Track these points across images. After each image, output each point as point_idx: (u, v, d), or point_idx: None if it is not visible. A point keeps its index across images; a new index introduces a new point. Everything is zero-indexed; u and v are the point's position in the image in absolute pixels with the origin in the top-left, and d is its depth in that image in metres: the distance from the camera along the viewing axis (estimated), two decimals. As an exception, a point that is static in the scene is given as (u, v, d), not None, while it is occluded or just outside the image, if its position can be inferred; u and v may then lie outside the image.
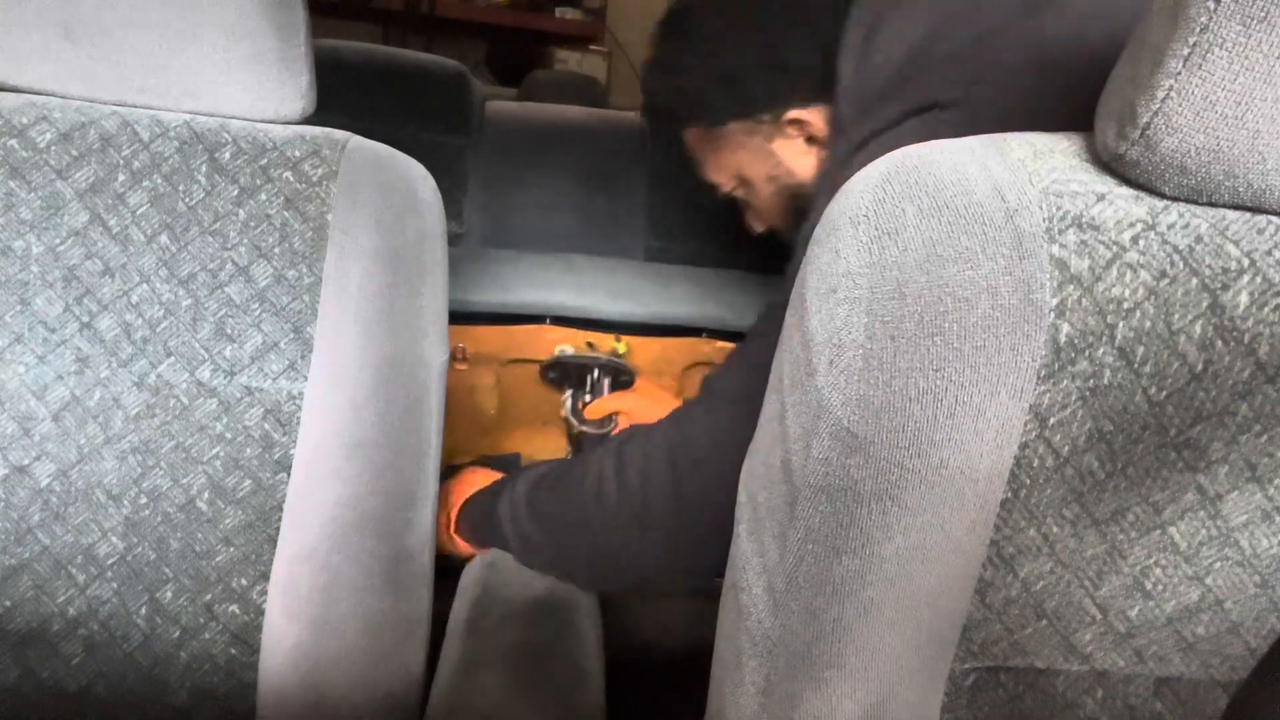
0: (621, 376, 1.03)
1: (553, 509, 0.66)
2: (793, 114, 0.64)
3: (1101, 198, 0.36)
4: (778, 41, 0.61)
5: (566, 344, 1.05)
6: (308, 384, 0.55)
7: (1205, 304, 0.35)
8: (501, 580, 0.68)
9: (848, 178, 0.52)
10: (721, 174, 0.74)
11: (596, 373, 1.04)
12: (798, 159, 0.68)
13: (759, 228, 0.79)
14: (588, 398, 1.02)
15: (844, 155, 0.55)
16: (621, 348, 1.05)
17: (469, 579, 0.68)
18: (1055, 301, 0.35)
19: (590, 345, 1.06)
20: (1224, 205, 0.36)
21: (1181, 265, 0.35)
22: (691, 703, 0.52)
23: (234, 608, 0.55)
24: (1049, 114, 0.45)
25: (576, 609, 0.66)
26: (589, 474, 0.63)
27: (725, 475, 0.51)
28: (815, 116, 0.65)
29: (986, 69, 0.50)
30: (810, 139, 0.66)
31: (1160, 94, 0.33)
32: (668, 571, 0.61)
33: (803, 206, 0.62)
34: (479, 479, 0.81)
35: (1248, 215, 0.36)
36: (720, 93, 0.64)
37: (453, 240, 0.62)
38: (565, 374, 1.05)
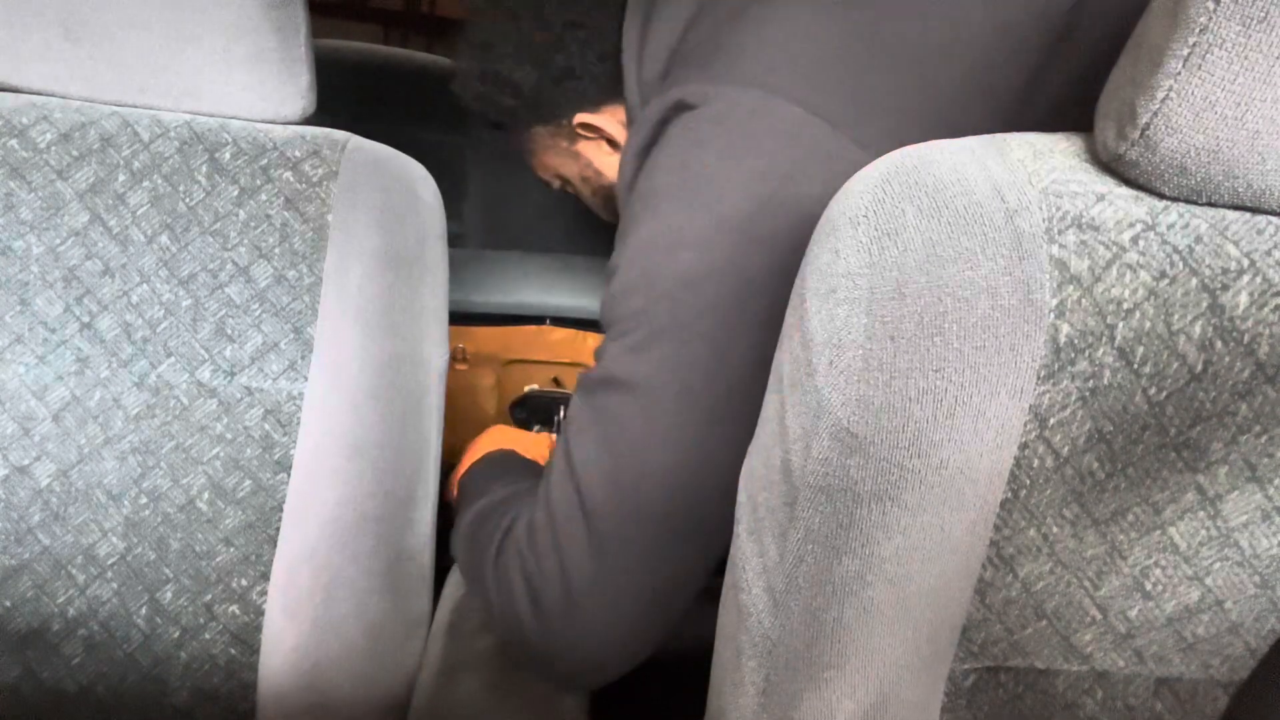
0: None
1: (470, 557, 0.59)
2: (582, 118, 0.63)
3: (1101, 198, 0.36)
4: (555, 47, 0.60)
5: (534, 383, 1.06)
6: (308, 384, 0.55)
7: (1205, 304, 0.35)
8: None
9: (635, 198, 0.51)
10: (544, 172, 0.73)
11: (562, 410, 1.04)
12: (603, 159, 0.67)
13: (604, 216, 0.77)
14: (555, 435, 1.03)
15: (628, 170, 0.53)
16: None
17: (453, 581, 0.68)
18: (1055, 302, 0.35)
19: (556, 381, 1.07)
20: (1224, 205, 0.36)
21: (1181, 266, 0.35)
22: (691, 703, 0.52)
23: (234, 608, 0.55)
24: (812, 104, 0.44)
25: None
26: (487, 556, 0.56)
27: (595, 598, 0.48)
28: (606, 120, 0.64)
29: (733, 60, 0.49)
30: (610, 141, 0.65)
31: (1160, 94, 0.33)
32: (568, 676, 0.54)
33: None
34: (500, 438, 0.77)
35: (1247, 215, 0.36)
36: (511, 100, 0.63)
37: (453, 240, 0.62)
38: (533, 411, 1.05)
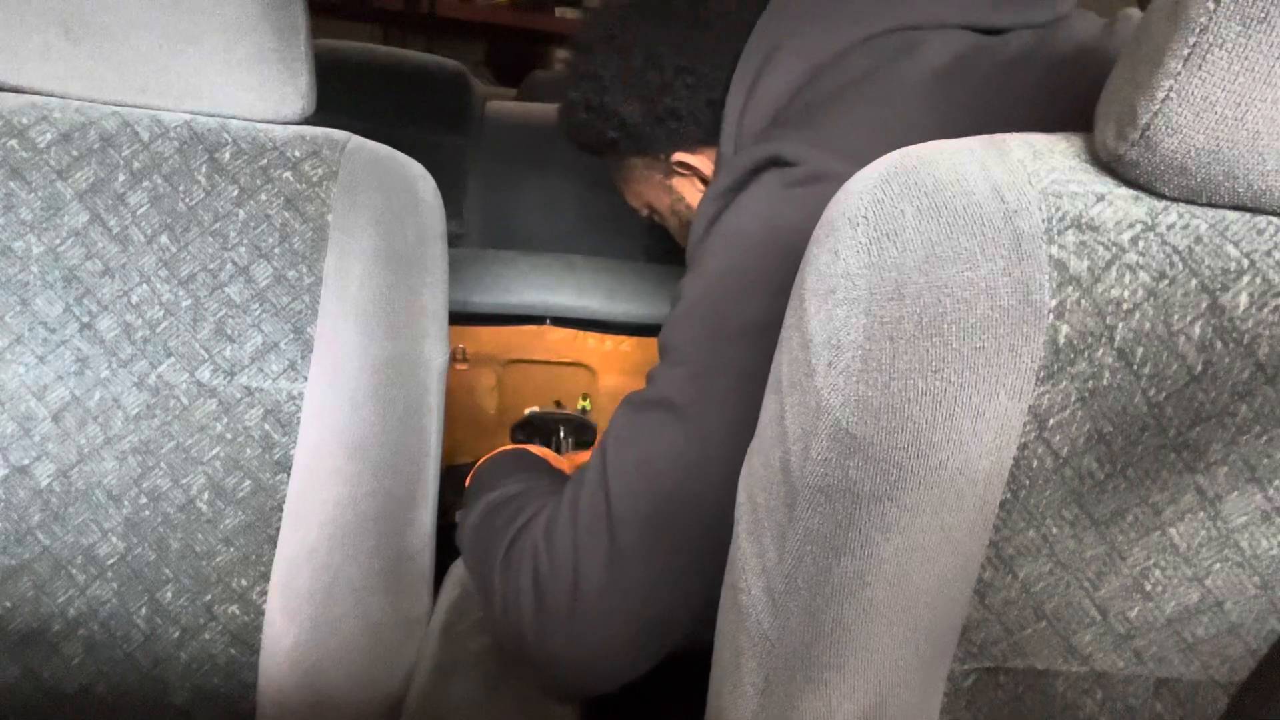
0: (585, 435, 1.05)
1: (475, 554, 0.60)
2: (680, 157, 0.65)
3: (1101, 198, 0.36)
4: (665, 88, 0.61)
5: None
6: (308, 384, 0.55)
7: (1205, 305, 0.35)
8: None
9: (707, 234, 0.53)
10: (634, 200, 0.75)
11: (562, 431, 1.05)
12: (695, 195, 0.69)
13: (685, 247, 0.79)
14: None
15: (711, 207, 0.55)
16: (588, 404, 1.08)
17: (451, 580, 0.68)
18: (1054, 302, 0.35)
19: (558, 404, 1.08)
20: (1224, 206, 0.36)
21: (1181, 266, 0.35)
22: (690, 703, 0.52)
23: (234, 608, 0.55)
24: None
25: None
26: (495, 551, 0.56)
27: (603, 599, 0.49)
28: (702, 161, 0.65)
29: (835, 130, 0.51)
30: (703, 180, 0.67)
31: (1160, 94, 0.33)
32: (565, 685, 0.54)
33: None
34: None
35: (1247, 216, 0.36)
36: (613, 131, 0.65)
37: (453, 240, 0.61)
38: (533, 432, 1.06)
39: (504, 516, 0.58)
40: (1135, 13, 0.55)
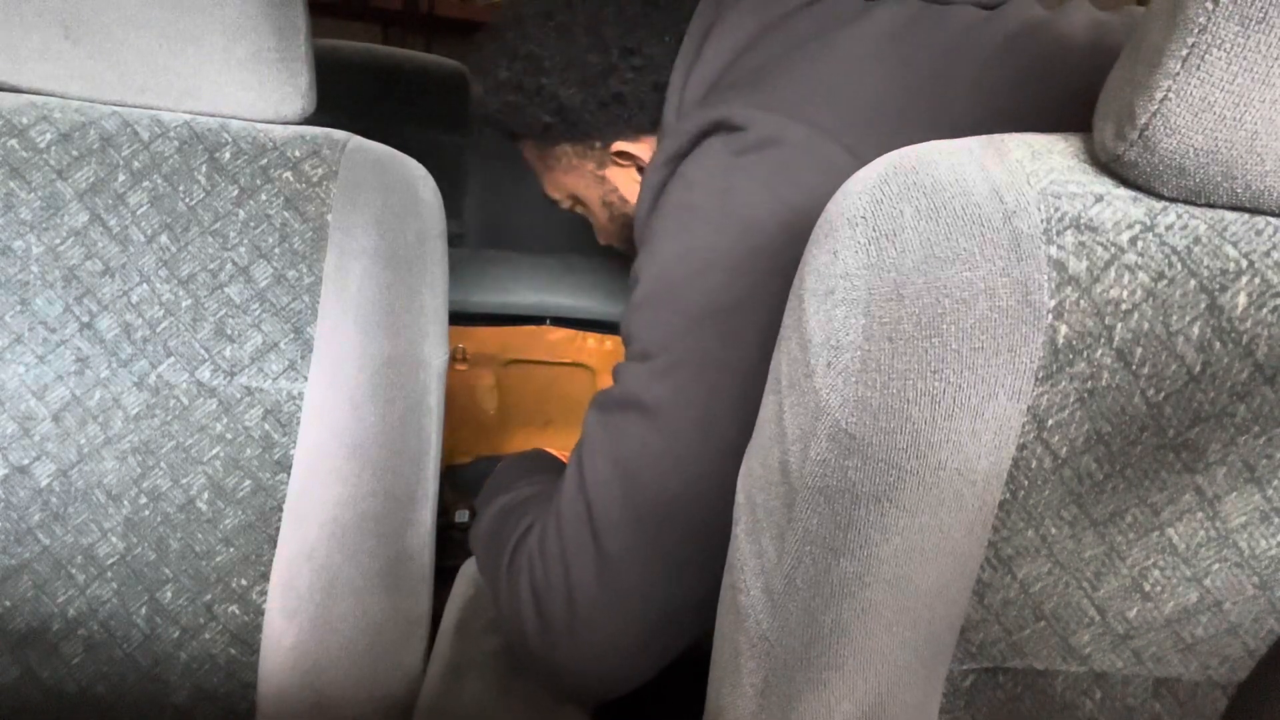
0: None
1: (487, 557, 0.59)
2: (619, 145, 0.61)
3: (1100, 199, 0.36)
4: (609, 71, 0.57)
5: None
6: (308, 384, 0.55)
7: (1203, 305, 0.35)
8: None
9: (655, 208, 0.51)
10: (556, 191, 0.70)
11: None
12: (630, 186, 0.65)
13: (603, 242, 0.75)
14: None
15: (655, 175, 0.53)
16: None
17: (464, 578, 0.68)
18: (1053, 303, 0.35)
19: None
20: (1222, 206, 0.36)
21: (1180, 266, 0.35)
22: (690, 703, 0.52)
23: (234, 608, 0.55)
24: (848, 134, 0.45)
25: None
26: (503, 558, 0.56)
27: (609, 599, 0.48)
28: (643, 149, 0.62)
29: (784, 91, 0.49)
30: (641, 169, 0.63)
31: (1158, 95, 0.33)
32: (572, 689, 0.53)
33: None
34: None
35: (1246, 216, 0.36)
36: (549, 116, 0.60)
37: (453, 240, 0.61)
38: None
39: (510, 523, 0.57)
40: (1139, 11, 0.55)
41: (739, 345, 0.47)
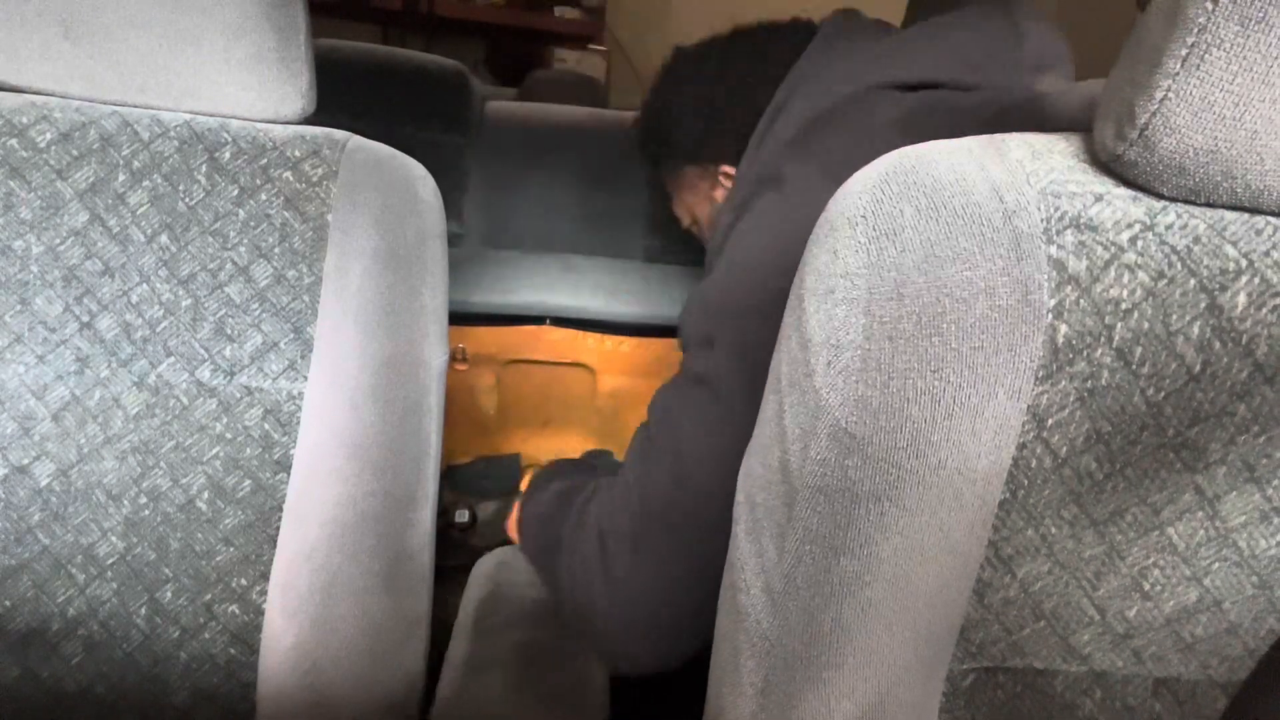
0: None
1: (540, 552, 0.68)
2: (726, 168, 0.75)
3: (1100, 198, 0.36)
4: (724, 104, 0.72)
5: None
6: (308, 384, 0.55)
7: (1203, 305, 0.35)
8: (511, 579, 0.68)
9: (730, 245, 0.62)
10: (680, 210, 0.85)
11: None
12: None
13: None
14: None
15: (725, 218, 0.65)
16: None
17: (479, 575, 0.69)
18: (1053, 302, 0.35)
19: None
20: (1222, 206, 0.36)
21: (1180, 266, 0.35)
22: (690, 703, 0.52)
23: (234, 608, 0.55)
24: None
25: (583, 610, 0.66)
26: (565, 539, 0.64)
27: (671, 546, 0.56)
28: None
29: (823, 154, 0.60)
30: None
31: (1158, 94, 0.33)
32: (628, 657, 0.60)
33: None
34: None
35: (1246, 216, 0.36)
36: (676, 138, 0.76)
37: (453, 240, 0.62)
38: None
39: (574, 499, 0.66)
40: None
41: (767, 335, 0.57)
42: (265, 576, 0.55)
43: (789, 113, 0.66)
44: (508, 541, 0.97)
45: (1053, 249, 0.35)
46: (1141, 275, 0.35)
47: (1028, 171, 0.37)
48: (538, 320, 1.06)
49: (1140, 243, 0.35)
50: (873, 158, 0.59)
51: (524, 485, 0.81)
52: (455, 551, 1.00)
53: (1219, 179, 0.34)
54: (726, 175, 0.75)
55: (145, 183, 0.54)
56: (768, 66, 0.71)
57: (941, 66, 0.63)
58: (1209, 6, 0.30)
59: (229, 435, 0.55)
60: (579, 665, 0.60)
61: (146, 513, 0.54)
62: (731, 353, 0.57)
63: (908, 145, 0.59)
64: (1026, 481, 0.37)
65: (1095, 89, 0.62)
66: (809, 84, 0.66)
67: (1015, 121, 0.58)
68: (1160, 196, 0.36)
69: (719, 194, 0.77)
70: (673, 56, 0.80)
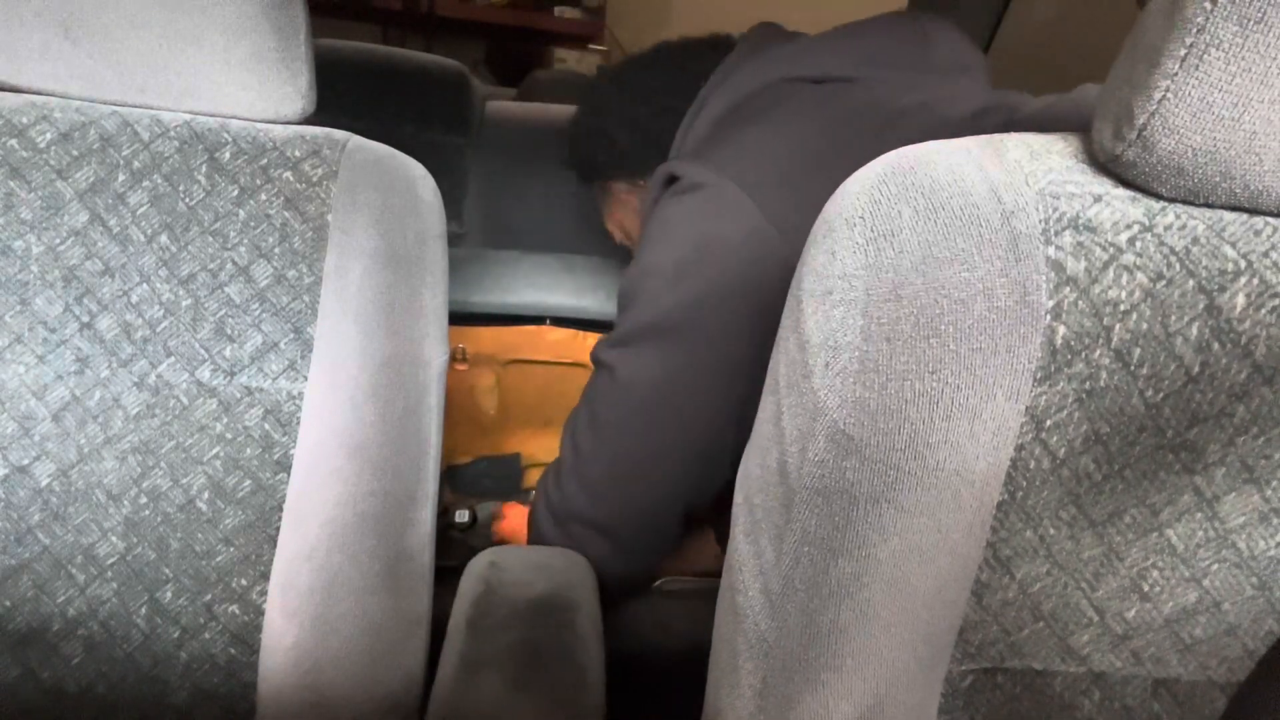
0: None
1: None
2: None
3: (1098, 199, 0.36)
4: (648, 120, 0.75)
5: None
6: (308, 384, 0.55)
7: (1202, 306, 0.35)
8: (504, 579, 0.68)
9: (647, 231, 0.68)
10: (611, 225, 0.88)
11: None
12: None
13: None
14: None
15: (643, 213, 0.71)
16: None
17: (471, 576, 0.68)
18: (1051, 303, 0.35)
19: None
20: (1221, 206, 0.36)
21: (1178, 267, 0.35)
22: (693, 704, 0.52)
23: (234, 608, 0.55)
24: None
25: (577, 609, 0.66)
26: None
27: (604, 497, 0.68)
28: None
29: (723, 150, 0.64)
30: None
31: (1157, 95, 0.33)
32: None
33: None
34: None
35: (1245, 216, 0.36)
36: (604, 156, 0.79)
37: (453, 240, 0.62)
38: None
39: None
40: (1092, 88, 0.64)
41: (670, 324, 0.65)
42: (265, 576, 0.55)
43: (704, 114, 0.69)
44: (505, 542, 0.97)
45: (1051, 250, 0.35)
46: (1140, 276, 0.35)
47: (1026, 172, 0.37)
48: (538, 320, 1.06)
49: (1139, 244, 0.35)
50: (782, 141, 0.63)
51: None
52: (455, 551, 1.00)
53: (1217, 179, 0.34)
54: None
55: (145, 183, 0.54)
56: (689, 80, 0.73)
57: (850, 62, 0.67)
58: (1208, 6, 0.30)
59: (229, 435, 0.55)
60: (577, 665, 0.60)
61: (146, 513, 0.54)
62: (633, 343, 0.66)
63: (816, 128, 0.63)
64: (1025, 483, 0.37)
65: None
66: (724, 85, 0.70)
67: (914, 120, 0.62)
68: (1159, 197, 0.36)
69: None
70: (597, 75, 0.83)
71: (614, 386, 0.68)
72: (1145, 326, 0.35)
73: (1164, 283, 0.35)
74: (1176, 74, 0.32)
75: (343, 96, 1.22)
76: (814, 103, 0.65)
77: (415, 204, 0.58)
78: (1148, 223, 0.35)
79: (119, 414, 0.54)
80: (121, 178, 0.54)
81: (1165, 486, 0.37)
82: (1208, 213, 0.36)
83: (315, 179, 0.56)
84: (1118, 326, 0.35)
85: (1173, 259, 0.35)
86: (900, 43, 0.68)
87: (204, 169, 0.55)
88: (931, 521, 0.37)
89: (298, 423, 0.55)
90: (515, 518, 0.92)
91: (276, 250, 0.55)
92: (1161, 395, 0.36)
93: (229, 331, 0.55)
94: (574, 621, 0.65)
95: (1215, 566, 0.38)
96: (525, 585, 0.68)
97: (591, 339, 1.07)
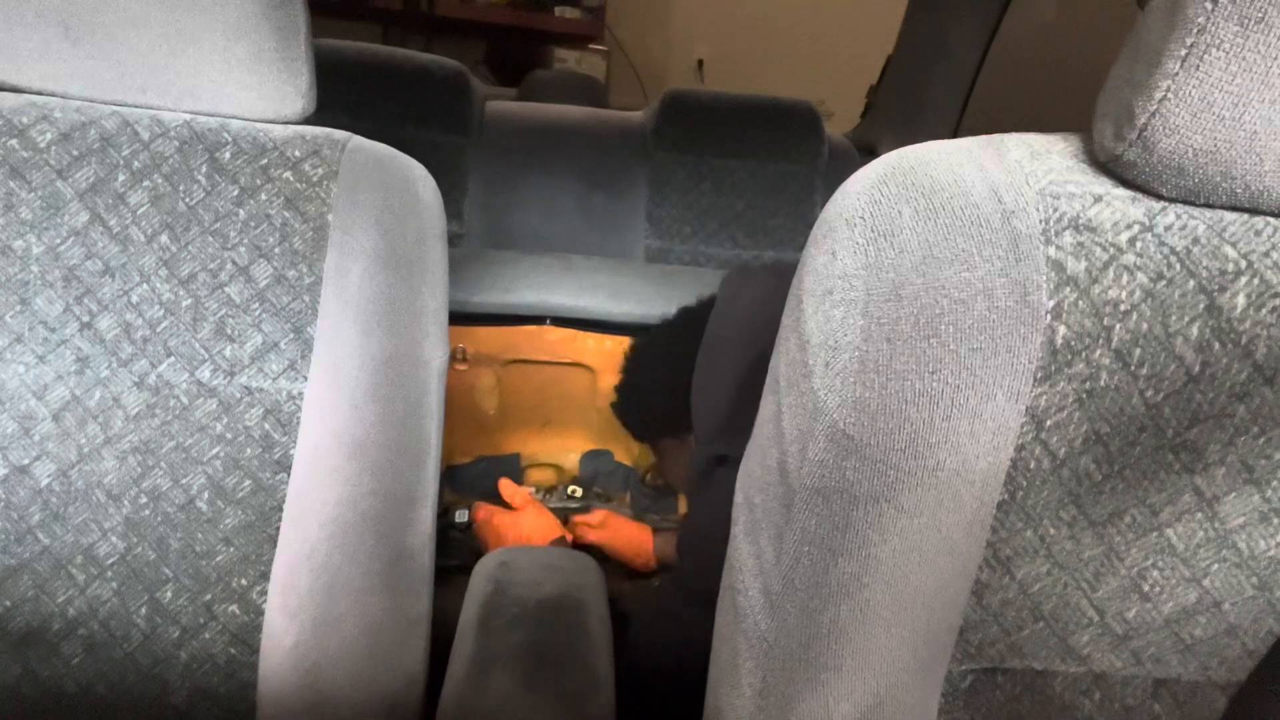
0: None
1: None
2: None
3: (1099, 199, 0.36)
4: (683, 389, 0.79)
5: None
6: (308, 384, 0.55)
7: (1202, 306, 0.35)
8: (514, 579, 0.68)
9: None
10: (666, 474, 0.98)
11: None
12: None
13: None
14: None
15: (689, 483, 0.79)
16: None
17: (481, 576, 0.68)
18: (1052, 303, 0.35)
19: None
20: (1221, 206, 0.36)
21: (1179, 267, 0.35)
22: (690, 704, 0.52)
23: (234, 607, 0.55)
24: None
25: (587, 610, 0.66)
26: None
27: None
28: None
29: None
30: None
31: (1157, 95, 0.33)
32: None
33: None
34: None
35: (1245, 216, 0.36)
36: (653, 421, 0.87)
37: (453, 240, 0.62)
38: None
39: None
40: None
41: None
42: (265, 576, 0.55)
43: (715, 385, 0.74)
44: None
45: (1051, 250, 0.35)
46: (1140, 276, 0.35)
47: (1026, 172, 0.37)
48: (538, 320, 1.06)
49: (1139, 244, 0.35)
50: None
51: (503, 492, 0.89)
52: (455, 551, 1.00)
53: (1218, 179, 0.34)
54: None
55: (145, 183, 0.54)
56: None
57: None
58: (1208, 6, 0.30)
59: (229, 435, 0.55)
60: (587, 666, 0.60)
61: (146, 513, 0.54)
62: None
63: None
64: (1025, 483, 0.37)
65: None
66: (723, 353, 0.75)
67: None
68: (1159, 197, 0.36)
69: None
70: (635, 342, 0.91)
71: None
72: (1145, 327, 0.35)
73: (1164, 283, 0.35)
74: (1177, 74, 0.32)
75: (343, 96, 1.22)
76: None
77: (415, 204, 0.58)
78: (1148, 223, 0.35)
79: (119, 414, 0.54)
80: (122, 178, 0.54)
81: (1165, 486, 0.37)
82: (1208, 213, 0.36)
83: (315, 179, 0.56)
84: (1118, 326, 0.35)
85: (1173, 259, 0.35)
86: None
87: (204, 169, 0.55)
88: (931, 521, 0.37)
89: (298, 423, 0.55)
90: (500, 520, 0.95)
91: (276, 250, 0.55)
92: (1162, 395, 0.36)
93: (229, 331, 0.55)
94: (584, 622, 0.65)
95: (1215, 567, 0.38)
96: (535, 585, 0.68)
97: (592, 339, 1.07)
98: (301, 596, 0.55)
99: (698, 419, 0.77)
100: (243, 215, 0.55)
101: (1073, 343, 0.35)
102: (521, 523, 0.95)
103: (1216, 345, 0.35)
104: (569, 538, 0.96)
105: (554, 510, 1.01)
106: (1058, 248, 0.35)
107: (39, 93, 0.55)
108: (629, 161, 1.32)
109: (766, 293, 0.73)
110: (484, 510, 0.99)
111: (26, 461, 0.53)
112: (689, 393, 0.79)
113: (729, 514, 0.63)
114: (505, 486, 1.01)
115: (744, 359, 0.72)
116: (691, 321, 0.82)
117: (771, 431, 0.41)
